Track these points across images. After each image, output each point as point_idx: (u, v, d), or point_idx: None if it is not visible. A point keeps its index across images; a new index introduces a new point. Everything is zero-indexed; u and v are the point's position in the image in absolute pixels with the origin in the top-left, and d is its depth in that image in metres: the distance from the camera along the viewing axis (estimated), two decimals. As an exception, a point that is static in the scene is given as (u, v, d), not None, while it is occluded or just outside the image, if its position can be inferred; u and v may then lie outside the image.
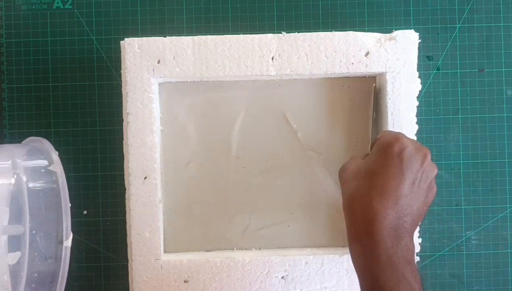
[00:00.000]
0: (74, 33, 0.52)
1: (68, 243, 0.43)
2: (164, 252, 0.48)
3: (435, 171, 0.40)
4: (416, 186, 0.38)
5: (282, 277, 0.47)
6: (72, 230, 0.52)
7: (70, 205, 0.44)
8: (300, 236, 0.49)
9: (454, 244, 0.52)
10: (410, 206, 0.37)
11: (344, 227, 0.49)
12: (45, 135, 0.52)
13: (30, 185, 0.42)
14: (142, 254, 0.46)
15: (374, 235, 0.36)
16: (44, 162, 0.44)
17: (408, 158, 0.38)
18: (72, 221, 0.52)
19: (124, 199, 0.47)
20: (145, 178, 0.46)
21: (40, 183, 0.43)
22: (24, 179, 0.41)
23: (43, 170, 0.44)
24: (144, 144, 0.46)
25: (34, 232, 0.41)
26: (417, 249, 0.46)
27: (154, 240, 0.46)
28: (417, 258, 0.46)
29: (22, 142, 0.47)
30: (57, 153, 0.45)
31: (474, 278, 0.52)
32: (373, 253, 0.36)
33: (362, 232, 0.37)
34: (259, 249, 0.49)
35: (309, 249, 0.48)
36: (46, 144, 0.45)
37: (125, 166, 0.47)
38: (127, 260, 0.47)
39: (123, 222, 0.47)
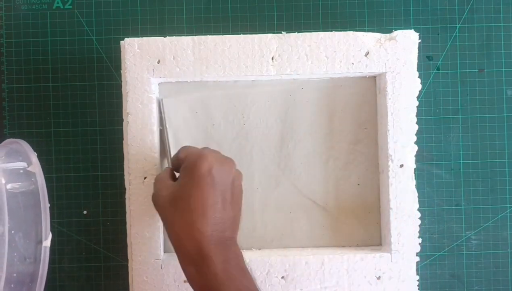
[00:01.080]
0: (74, 33, 0.52)
1: (47, 243, 0.43)
2: (164, 252, 0.48)
3: (241, 177, 0.42)
4: (229, 197, 0.40)
5: (282, 277, 0.47)
6: (72, 230, 0.52)
7: (49, 205, 0.44)
8: (300, 236, 0.49)
9: (454, 244, 0.52)
10: (229, 217, 0.40)
11: (344, 227, 0.49)
12: (45, 135, 0.52)
13: (9, 186, 0.42)
14: (142, 254, 0.46)
15: (206, 255, 0.37)
16: (22, 164, 0.44)
17: (218, 174, 0.39)
18: (72, 221, 0.52)
19: (124, 199, 0.47)
20: (145, 178, 0.46)
21: (19, 184, 0.43)
22: (3, 180, 0.41)
23: (21, 171, 0.44)
24: (144, 144, 0.46)
25: (13, 232, 0.41)
26: (417, 249, 0.47)
27: (154, 240, 0.46)
28: (417, 258, 0.46)
29: (0, 144, 0.47)
30: (35, 154, 0.45)
31: (474, 278, 0.52)
32: (209, 271, 0.37)
33: (194, 255, 0.38)
34: (259, 249, 0.49)
35: (309, 249, 0.48)
36: (25, 146, 0.45)
37: (125, 166, 0.47)
38: (127, 260, 0.47)
39: (123, 222, 0.47)
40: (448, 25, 0.52)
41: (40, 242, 0.43)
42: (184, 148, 0.43)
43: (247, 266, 0.40)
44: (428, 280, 0.52)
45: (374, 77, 0.49)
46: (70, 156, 0.52)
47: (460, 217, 0.52)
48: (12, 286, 0.42)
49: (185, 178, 0.40)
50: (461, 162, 0.52)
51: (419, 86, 0.47)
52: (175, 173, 0.44)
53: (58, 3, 0.52)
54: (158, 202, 0.41)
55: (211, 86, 0.49)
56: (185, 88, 0.49)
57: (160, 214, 0.41)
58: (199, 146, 0.43)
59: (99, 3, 0.52)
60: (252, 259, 0.47)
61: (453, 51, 0.52)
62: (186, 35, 0.47)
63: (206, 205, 0.38)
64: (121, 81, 0.47)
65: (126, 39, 0.46)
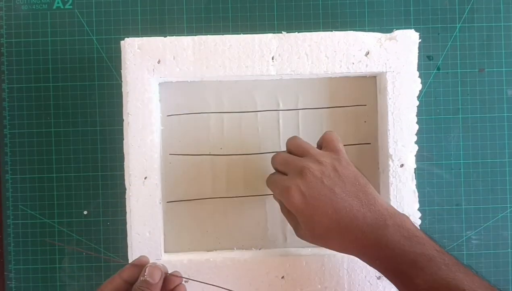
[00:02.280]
0: (74, 33, 0.52)
1: None
2: (164, 252, 0.48)
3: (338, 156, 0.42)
4: (341, 188, 0.40)
5: (282, 277, 0.47)
6: (73, 230, 0.52)
7: None
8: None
9: (455, 244, 0.52)
10: (354, 203, 0.39)
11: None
12: (45, 135, 0.52)
13: None
14: (143, 253, 0.46)
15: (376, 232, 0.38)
16: None
17: (318, 174, 0.40)
18: (72, 221, 0.52)
19: (124, 199, 0.47)
20: (145, 178, 0.46)
21: None
22: None
23: None
24: (144, 144, 0.46)
25: None
26: (418, 249, 0.46)
27: (155, 240, 0.46)
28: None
29: None
30: None
31: (474, 278, 0.52)
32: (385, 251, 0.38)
33: (368, 241, 0.38)
34: (259, 249, 0.49)
35: (309, 249, 0.48)
36: None
37: (125, 166, 0.47)
38: (127, 260, 0.47)
39: (124, 222, 0.47)
40: (448, 25, 0.52)
41: None
42: (270, 178, 0.44)
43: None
44: (429, 280, 0.52)
45: (375, 77, 0.49)
46: (71, 156, 0.52)
47: (460, 216, 0.52)
48: None
49: (293, 215, 0.41)
50: (462, 161, 0.52)
51: (420, 86, 0.47)
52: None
53: (58, 3, 0.52)
54: (307, 239, 0.42)
55: (211, 86, 0.49)
56: (185, 88, 0.49)
57: (300, 214, 0.41)
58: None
59: (99, 3, 0.52)
60: (252, 259, 0.47)
61: (453, 51, 0.52)
62: (186, 35, 0.47)
63: (341, 210, 0.39)
64: (121, 81, 0.47)
65: (126, 39, 0.46)
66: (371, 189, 0.40)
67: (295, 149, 0.43)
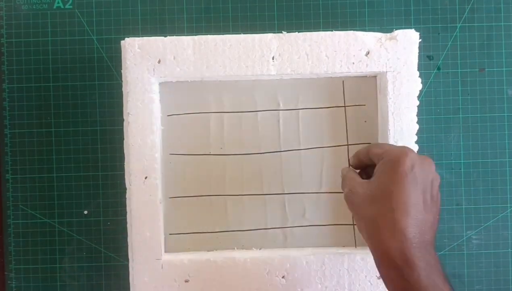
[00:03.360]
0: (75, 33, 0.52)
1: None
2: (165, 251, 0.48)
3: (439, 180, 0.40)
4: (429, 198, 0.38)
5: (283, 277, 0.47)
6: (73, 230, 0.52)
7: None
8: (301, 235, 0.49)
9: (455, 243, 0.52)
10: (429, 219, 0.38)
11: (345, 227, 0.49)
12: (46, 135, 0.52)
13: None
14: (143, 253, 0.46)
15: (411, 258, 0.35)
16: None
17: (420, 171, 0.38)
18: (72, 221, 0.52)
19: (125, 198, 0.47)
20: (145, 177, 0.46)
21: None
22: None
23: None
24: (144, 144, 0.46)
25: None
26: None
27: (155, 240, 0.46)
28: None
29: None
30: None
31: (474, 278, 0.52)
32: (412, 276, 0.35)
33: (395, 257, 0.36)
34: (259, 249, 0.49)
35: (309, 249, 0.48)
36: None
37: (125, 166, 0.47)
38: (127, 260, 0.47)
39: (124, 222, 0.47)
40: (448, 25, 0.52)
41: None
42: (377, 144, 0.42)
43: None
44: (429, 279, 0.52)
45: (375, 77, 0.49)
46: (71, 155, 0.52)
47: (460, 216, 0.52)
48: None
49: (385, 174, 0.38)
50: (462, 161, 0.52)
51: (420, 86, 0.47)
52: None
53: (58, 3, 0.52)
54: (354, 201, 0.40)
55: (211, 86, 0.49)
56: (185, 88, 0.49)
57: (357, 213, 0.40)
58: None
59: (100, 3, 0.52)
60: (253, 258, 0.47)
61: (453, 50, 0.52)
62: (187, 35, 0.47)
63: (408, 203, 0.37)
64: (122, 81, 0.47)
65: (126, 39, 0.46)
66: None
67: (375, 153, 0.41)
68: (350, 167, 0.44)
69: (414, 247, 0.36)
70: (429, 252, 0.37)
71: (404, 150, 0.38)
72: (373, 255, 0.38)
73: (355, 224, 0.49)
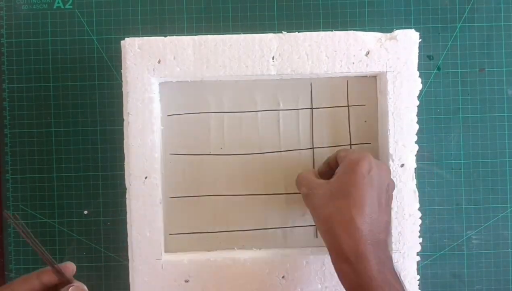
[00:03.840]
0: (75, 33, 0.52)
1: None
2: (165, 251, 0.48)
3: (394, 187, 0.44)
4: (384, 202, 0.41)
5: (283, 277, 0.47)
6: (73, 230, 0.52)
7: None
8: (301, 235, 0.49)
9: (455, 243, 0.52)
10: (383, 219, 0.40)
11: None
12: (46, 135, 0.52)
13: None
14: (143, 253, 0.46)
15: (363, 254, 0.37)
16: None
17: (377, 175, 0.40)
18: (72, 221, 0.52)
19: (125, 198, 0.47)
20: (145, 177, 0.46)
21: None
22: None
23: None
24: (144, 144, 0.46)
25: None
26: (418, 248, 0.46)
27: (155, 240, 0.46)
28: (417, 258, 0.46)
29: None
30: None
31: (474, 278, 0.52)
32: (365, 271, 0.37)
33: (349, 253, 0.38)
34: (259, 249, 0.49)
35: (309, 249, 0.48)
36: None
37: (125, 166, 0.47)
38: (127, 260, 0.47)
39: (124, 222, 0.47)
40: (448, 25, 0.52)
41: None
42: (343, 149, 0.44)
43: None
44: (429, 279, 0.52)
45: (375, 76, 0.49)
46: (71, 155, 0.52)
47: (460, 216, 0.52)
48: None
49: (345, 175, 0.40)
50: (462, 161, 0.52)
51: (420, 86, 0.47)
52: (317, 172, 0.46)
53: (58, 3, 0.52)
54: (314, 200, 0.42)
55: (211, 86, 0.49)
56: (185, 88, 0.49)
57: (316, 212, 0.42)
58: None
59: (100, 3, 0.52)
60: (253, 258, 0.47)
61: (453, 50, 0.52)
62: (187, 35, 0.47)
63: (365, 203, 0.39)
64: (122, 81, 0.47)
65: (126, 39, 0.46)
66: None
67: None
68: (312, 170, 0.46)
69: (368, 244, 0.38)
70: (383, 250, 0.39)
71: (364, 154, 0.41)
72: (329, 251, 0.40)
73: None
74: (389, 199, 0.42)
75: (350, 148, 0.49)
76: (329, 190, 0.41)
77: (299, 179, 0.45)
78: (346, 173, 0.40)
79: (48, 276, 0.38)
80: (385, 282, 0.37)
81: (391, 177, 0.44)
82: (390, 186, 0.42)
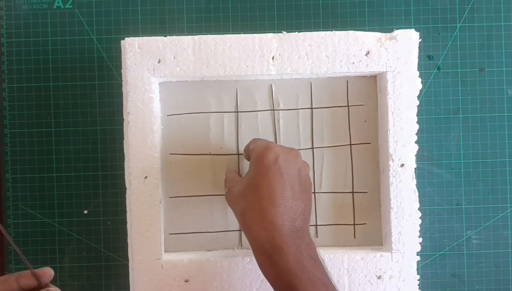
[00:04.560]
0: (75, 33, 0.52)
1: None
2: (165, 251, 0.48)
3: (308, 167, 0.43)
4: (297, 187, 0.40)
5: (283, 277, 0.47)
6: (73, 230, 0.52)
7: None
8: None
9: (455, 243, 0.52)
10: (299, 206, 0.39)
11: (345, 226, 0.49)
12: (46, 135, 0.52)
13: None
14: (143, 253, 0.46)
15: (279, 244, 0.37)
16: None
17: (284, 163, 0.40)
18: (72, 221, 0.52)
19: (125, 198, 0.47)
20: (145, 177, 0.46)
21: None
22: None
23: None
24: (144, 144, 0.46)
25: None
26: (418, 248, 0.47)
27: (155, 240, 0.46)
28: (417, 258, 0.46)
29: None
30: None
31: (474, 278, 0.52)
32: (282, 261, 0.37)
33: (266, 245, 0.38)
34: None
35: (309, 249, 0.48)
36: None
37: (125, 166, 0.47)
38: (127, 260, 0.47)
39: (124, 222, 0.47)
40: (448, 25, 0.52)
41: None
42: (253, 140, 0.44)
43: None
44: (429, 279, 0.52)
45: (375, 76, 0.49)
46: (71, 155, 0.52)
47: (460, 216, 0.52)
48: None
49: (253, 169, 0.41)
50: (462, 161, 0.52)
51: (420, 86, 0.47)
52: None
53: (58, 2, 0.52)
54: (230, 198, 0.42)
55: (211, 86, 0.49)
56: (185, 88, 0.49)
57: (233, 209, 0.42)
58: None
59: (100, 3, 0.52)
60: (253, 258, 0.47)
61: (453, 50, 0.52)
62: (187, 35, 0.47)
63: (274, 194, 0.39)
64: (122, 80, 0.47)
65: (126, 38, 0.46)
66: None
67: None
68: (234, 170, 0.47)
69: (283, 234, 0.38)
70: (301, 238, 0.38)
71: (268, 145, 0.41)
72: (250, 245, 0.40)
73: (355, 224, 0.49)
74: (305, 183, 0.41)
75: (350, 147, 0.49)
76: (242, 186, 0.41)
77: (225, 180, 0.46)
78: (254, 166, 0.40)
79: (26, 279, 0.38)
80: (304, 270, 0.37)
81: (303, 160, 0.43)
82: (303, 169, 0.41)
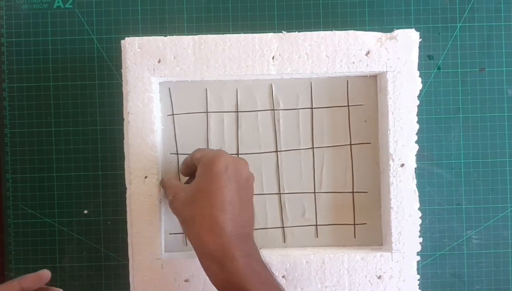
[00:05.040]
0: (75, 33, 0.52)
1: None
2: (165, 251, 0.48)
3: (253, 179, 0.44)
4: (244, 195, 0.41)
5: (283, 277, 0.47)
6: (73, 230, 0.52)
7: None
8: (301, 235, 0.49)
9: (455, 243, 0.52)
10: (246, 213, 0.41)
11: (345, 226, 0.49)
12: (46, 135, 0.52)
13: None
14: (143, 253, 0.46)
15: (229, 250, 0.38)
16: None
17: (233, 172, 0.41)
18: (72, 221, 0.52)
19: (125, 198, 0.47)
20: (145, 177, 0.46)
21: None
22: None
23: None
24: (144, 143, 0.46)
25: None
26: (418, 248, 0.46)
27: (155, 239, 0.46)
28: (417, 257, 0.46)
29: None
30: None
31: (474, 278, 0.52)
32: (232, 266, 0.38)
33: (215, 251, 0.38)
34: (259, 249, 0.49)
35: (309, 249, 0.48)
36: None
37: (125, 165, 0.47)
38: (127, 259, 0.47)
39: (124, 221, 0.47)
40: (449, 24, 0.52)
41: None
42: (199, 149, 0.44)
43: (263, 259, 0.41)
44: (429, 279, 0.52)
45: (375, 76, 0.49)
46: (71, 155, 0.52)
47: (460, 216, 0.52)
48: None
49: (203, 176, 0.41)
50: (462, 161, 0.52)
51: (420, 86, 0.47)
52: (181, 176, 0.46)
53: (58, 2, 0.52)
54: (177, 205, 0.42)
55: (211, 86, 0.49)
56: (185, 88, 0.49)
57: (179, 216, 0.42)
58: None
59: (100, 3, 0.52)
60: (253, 258, 0.47)
61: (454, 50, 0.52)
62: (187, 35, 0.47)
63: (225, 200, 0.39)
64: (122, 80, 0.47)
65: (126, 38, 0.46)
66: None
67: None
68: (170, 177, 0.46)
69: (233, 240, 0.38)
70: (248, 243, 0.40)
71: (219, 153, 0.42)
72: (195, 252, 0.40)
73: (355, 224, 0.49)
74: (250, 192, 0.43)
75: (350, 147, 0.49)
76: (191, 192, 0.41)
77: (164, 185, 0.45)
78: (204, 173, 0.41)
79: (27, 282, 0.40)
80: (254, 273, 0.38)
81: (250, 170, 0.43)
82: (250, 179, 0.43)
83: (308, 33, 0.46)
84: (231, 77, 0.48)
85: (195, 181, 0.42)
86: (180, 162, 0.49)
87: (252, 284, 0.37)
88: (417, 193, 0.46)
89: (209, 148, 0.49)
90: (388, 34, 0.47)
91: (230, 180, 0.40)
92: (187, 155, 0.49)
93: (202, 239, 0.39)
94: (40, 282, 0.41)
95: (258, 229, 0.49)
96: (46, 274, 0.41)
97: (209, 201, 0.39)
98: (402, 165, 0.46)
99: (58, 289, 0.42)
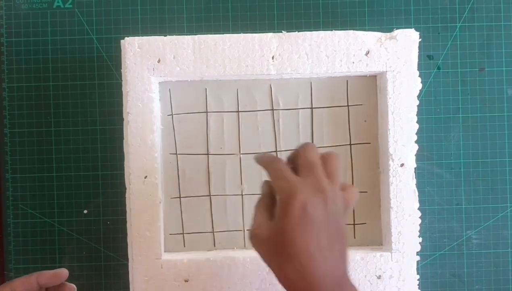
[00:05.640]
0: (75, 32, 0.52)
1: None
2: (165, 251, 0.48)
3: (346, 202, 0.37)
4: (334, 231, 0.35)
5: (283, 277, 0.47)
6: (73, 230, 0.52)
7: None
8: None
9: (455, 243, 0.52)
10: (338, 251, 0.35)
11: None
12: (45, 135, 0.52)
13: None
14: (143, 253, 0.46)
15: None
16: None
17: (315, 210, 0.34)
18: (72, 220, 0.52)
19: (125, 198, 0.47)
20: (145, 177, 0.46)
21: None
22: None
23: None
24: (144, 144, 0.46)
25: None
26: (418, 248, 0.47)
27: (155, 239, 0.46)
28: (417, 257, 0.46)
29: None
30: None
31: (474, 278, 0.52)
32: None
33: None
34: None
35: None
36: None
37: (125, 165, 0.47)
38: (127, 259, 0.47)
39: (124, 221, 0.47)
40: (448, 24, 0.52)
41: None
42: (277, 175, 0.37)
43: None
44: (429, 279, 0.52)
45: (375, 76, 0.49)
46: (71, 155, 0.52)
47: (460, 216, 0.52)
48: None
49: (281, 217, 0.35)
50: (462, 161, 0.52)
51: (420, 86, 0.47)
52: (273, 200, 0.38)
53: (58, 2, 0.52)
54: (258, 244, 0.37)
55: (211, 86, 0.49)
56: (185, 88, 0.49)
57: (263, 257, 0.37)
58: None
59: (100, 2, 0.52)
60: (253, 258, 0.47)
61: (453, 50, 0.52)
62: (187, 35, 0.47)
63: (311, 247, 0.34)
64: (122, 80, 0.47)
65: (126, 38, 0.46)
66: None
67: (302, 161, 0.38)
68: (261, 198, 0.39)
69: (327, 287, 0.34)
70: (345, 288, 0.35)
71: (293, 188, 0.35)
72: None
73: (355, 224, 0.49)
74: (337, 222, 0.36)
75: (350, 147, 0.49)
76: (274, 236, 0.35)
77: (255, 211, 0.38)
78: (281, 215, 0.35)
79: (45, 278, 0.41)
80: None
81: (333, 191, 0.36)
82: (333, 208, 0.35)
83: (308, 33, 0.47)
84: (231, 77, 0.48)
85: (276, 222, 0.36)
86: (180, 161, 0.49)
87: None
88: (416, 193, 0.47)
89: (209, 147, 0.49)
90: (388, 34, 0.47)
91: (311, 221, 0.34)
92: (187, 155, 0.49)
93: (296, 289, 0.34)
94: (58, 280, 0.41)
95: (258, 229, 0.49)
96: (64, 272, 0.42)
97: (294, 250, 0.34)
98: (402, 165, 0.46)
99: (72, 285, 0.43)
